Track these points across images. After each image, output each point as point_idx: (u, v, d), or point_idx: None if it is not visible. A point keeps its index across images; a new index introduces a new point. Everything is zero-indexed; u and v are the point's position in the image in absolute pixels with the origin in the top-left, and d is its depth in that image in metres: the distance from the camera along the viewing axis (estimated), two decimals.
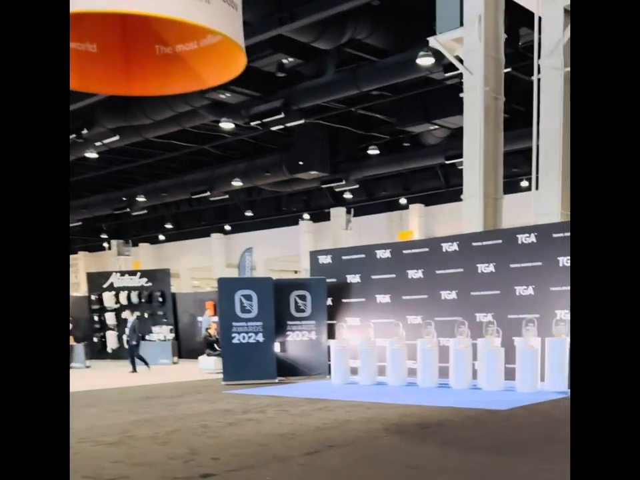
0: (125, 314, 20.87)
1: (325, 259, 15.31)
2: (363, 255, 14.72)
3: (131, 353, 17.98)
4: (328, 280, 14.67)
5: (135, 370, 17.73)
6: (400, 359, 12.66)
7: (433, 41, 14.55)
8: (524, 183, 25.57)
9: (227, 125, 22.35)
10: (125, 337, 19.60)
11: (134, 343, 17.96)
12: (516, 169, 25.09)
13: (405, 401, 10.30)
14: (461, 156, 22.77)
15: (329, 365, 13.99)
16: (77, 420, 8.79)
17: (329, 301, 14.73)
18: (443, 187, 29.56)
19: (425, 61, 16.53)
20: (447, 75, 17.08)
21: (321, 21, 15.71)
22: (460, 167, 24.68)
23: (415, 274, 13.75)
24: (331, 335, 14.36)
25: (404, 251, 14.12)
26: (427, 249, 13.76)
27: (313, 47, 17.19)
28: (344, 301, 14.79)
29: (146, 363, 18.00)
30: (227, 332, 14.04)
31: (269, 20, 15.61)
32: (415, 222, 31.93)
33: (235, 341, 13.95)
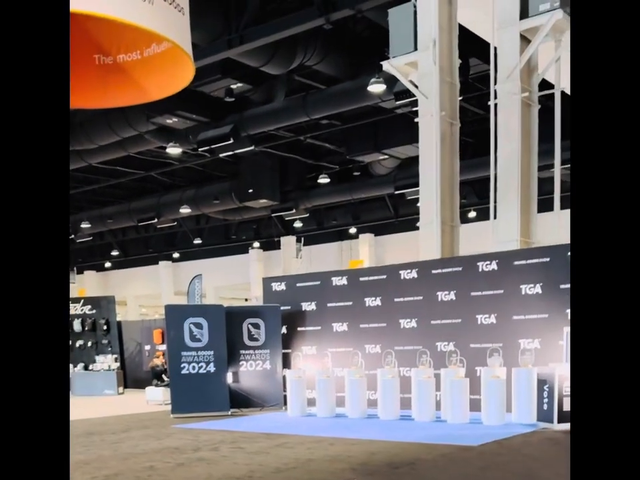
0: None
1: (278, 286, 14.85)
2: (318, 282, 14.31)
3: None
4: (282, 308, 14.21)
5: None
6: (359, 389, 12.19)
7: (386, 65, 14.36)
8: (472, 214, 25.76)
9: (173, 150, 21.91)
10: None
11: None
12: (464, 200, 25.25)
13: (369, 436, 9.79)
14: (410, 186, 23.08)
15: (285, 396, 13.44)
16: None
17: (284, 330, 14.25)
18: (392, 217, 29.77)
19: (376, 87, 16.50)
20: (398, 102, 17.00)
21: (271, 45, 15.48)
22: (409, 197, 24.91)
23: (372, 302, 13.37)
24: (286, 364, 13.89)
25: (361, 278, 13.74)
26: (384, 276, 13.41)
27: (262, 71, 16.96)
28: (299, 329, 14.32)
29: None
30: (175, 362, 13.40)
31: (218, 42, 15.30)
32: (365, 251, 32.05)
33: (184, 371, 13.32)
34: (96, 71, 6.51)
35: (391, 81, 15.87)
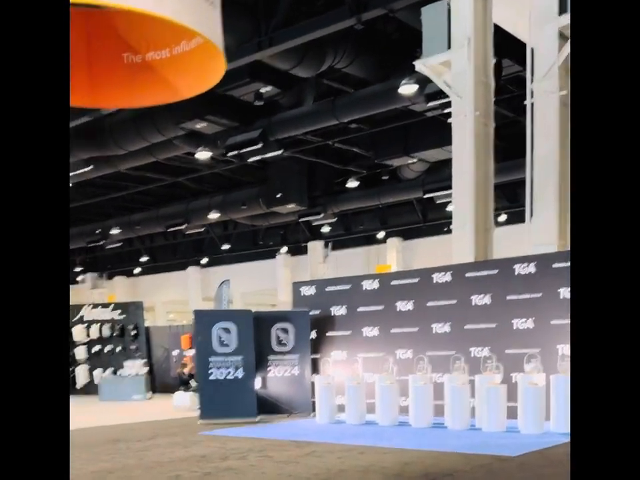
0: None
1: (308, 291, 14.57)
2: (348, 286, 14.00)
3: None
4: (311, 312, 13.93)
5: None
6: (391, 396, 11.85)
7: (419, 65, 14.06)
8: (502, 217, 25.33)
9: (202, 155, 21.79)
10: None
11: None
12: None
13: (401, 445, 9.44)
14: (439, 190, 22.73)
15: (313, 403, 13.19)
16: None
17: (313, 334, 13.96)
18: (421, 221, 29.45)
19: (407, 89, 16.19)
20: (429, 105, 16.70)
21: (300, 47, 15.27)
22: (438, 201, 24.55)
23: (404, 306, 13.03)
24: (315, 370, 13.59)
25: (392, 282, 13.42)
26: (416, 280, 13.08)
27: (291, 75, 16.77)
28: (328, 334, 14.01)
29: None
30: (203, 367, 13.18)
31: (247, 45, 15.11)
32: (392, 256, 31.72)
33: (212, 377, 13.08)
34: (124, 70, 6.35)
35: (422, 81, 15.59)
